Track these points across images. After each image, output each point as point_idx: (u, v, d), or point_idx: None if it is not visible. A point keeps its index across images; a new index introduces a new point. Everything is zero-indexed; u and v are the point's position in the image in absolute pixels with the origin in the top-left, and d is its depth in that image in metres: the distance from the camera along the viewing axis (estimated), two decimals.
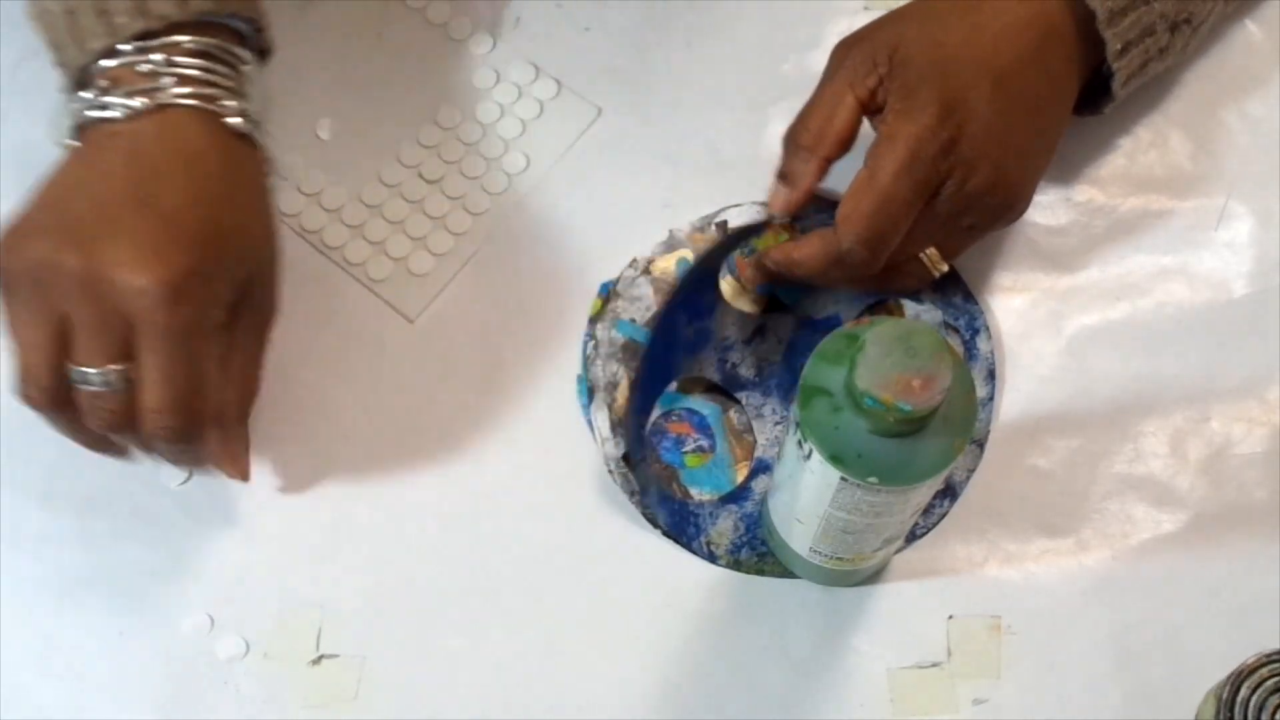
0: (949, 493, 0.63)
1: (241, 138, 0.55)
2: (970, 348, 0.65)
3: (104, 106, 0.54)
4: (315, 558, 0.62)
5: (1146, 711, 0.59)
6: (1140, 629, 0.61)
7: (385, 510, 0.63)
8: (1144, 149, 0.69)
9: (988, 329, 0.65)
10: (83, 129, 0.55)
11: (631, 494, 0.63)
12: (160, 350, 0.52)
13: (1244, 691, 0.53)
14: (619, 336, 0.65)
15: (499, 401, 0.64)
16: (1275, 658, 0.54)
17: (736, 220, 0.67)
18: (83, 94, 0.54)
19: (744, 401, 0.64)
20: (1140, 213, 0.68)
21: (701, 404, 0.65)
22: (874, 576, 0.62)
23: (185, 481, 0.63)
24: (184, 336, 0.52)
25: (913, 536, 0.62)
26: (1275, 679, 0.53)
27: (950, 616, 0.61)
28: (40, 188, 0.55)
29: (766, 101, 0.70)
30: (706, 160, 0.69)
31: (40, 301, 0.52)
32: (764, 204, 0.68)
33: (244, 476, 0.58)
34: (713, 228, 0.67)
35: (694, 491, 0.63)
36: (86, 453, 0.63)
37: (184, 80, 0.54)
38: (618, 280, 0.66)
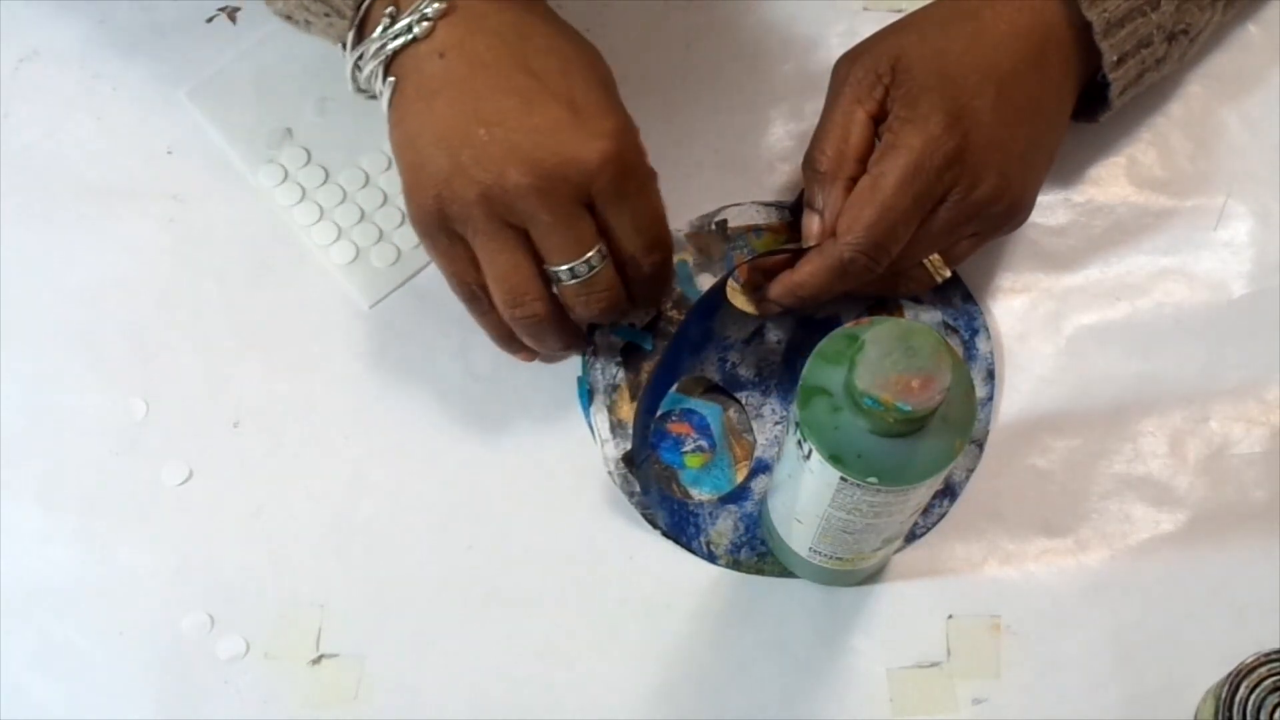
0: (948, 493, 0.63)
1: None
2: (970, 348, 0.65)
3: (404, 31, 0.55)
4: (315, 558, 0.62)
5: (1146, 711, 0.59)
6: (1139, 628, 0.61)
7: (385, 510, 0.63)
8: (1144, 149, 0.69)
9: (987, 329, 0.65)
10: (391, 64, 0.56)
11: (631, 494, 0.63)
12: (627, 206, 0.56)
13: (1243, 691, 0.53)
14: (619, 339, 0.65)
15: (499, 402, 0.64)
16: (1274, 657, 0.54)
17: (736, 220, 0.67)
18: (374, 33, 0.56)
19: (744, 401, 0.64)
20: (1140, 213, 0.68)
21: (701, 404, 0.65)
22: (874, 576, 0.62)
23: (185, 481, 0.63)
24: (646, 186, 0.57)
25: (912, 536, 0.62)
26: (1274, 678, 0.53)
27: (950, 616, 0.61)
28: (408, 134, 0.56)
29: (766, 102, 0.70)
30: (706, 160, 0.69)
31: (499, 226, 0.55)
32: (764, 204, 0.68)
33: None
34: (712, 227, 0.67)
35: (694, 491, 0.64)
36: (86, 453, 0.63)
37: None
38: None
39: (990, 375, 0.65)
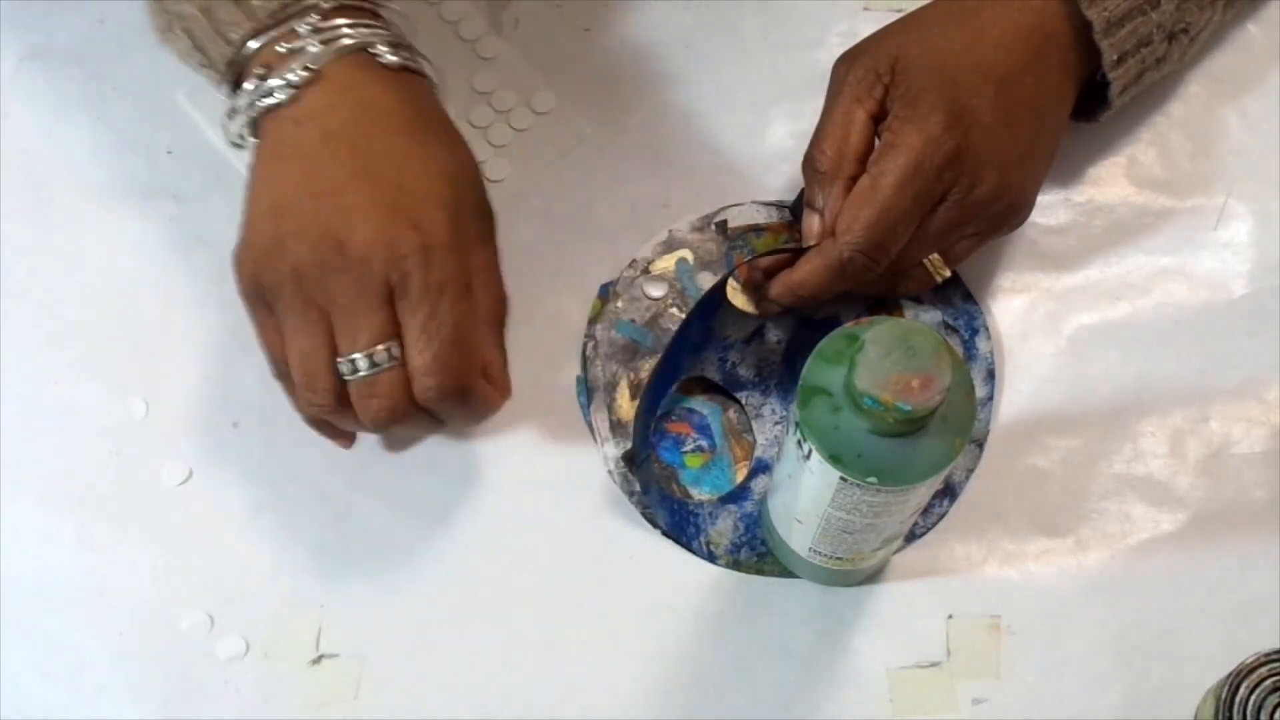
0: (948, 493, 0.63)
1: (405, 71, 0.56)
2: (970, 348, 0.65)
3: (269, 93, 0.54)
4: (315, 558, 0.62)
5: (1146, 711, 0.59)
6: (1139, 628, 0.61)
7: (385, 510, 0.63)
8: (1144, 149, 0.69)
9: (987, 329, 0.65)
10: (258, 123, 0.55)
11: (631, 494, 0.63)
12: (428, 308, 0.53)
13: (1243, 691, 0.53)
14: (619, 337, 0.65)
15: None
16: (1274, 657, 0.54)
17: (736, 220, 0.67)
18: (245, 88, 0.55)
19: (744, 401, 0.64)
20: (1140, 212, 0.68)
21: (701, 404, 0.65)
22: (874, 576, 0.62)
23: (185, 481, 0.63)
24: (452, 289, 0.53)
25: (912, 536, 0.62)
26: (1274, 678, 0.53)
27: (950, 616, 0.61)
28: (251, 198, 0.55)
29: (767, 101, 0.70)
30: (706, 160, 0.69)
31: (304, 304, 0.53)
32: (764, 204, 0.68)
33: (508, 393, 0.58)
34: (712, 227, 0.67)
35: (694, 491, 0.63)
36: (86, 453, 0.63)
37: (331, 40, 0.54)
38: (617, 281, 0.66)
39: (990, 375, 0.65)
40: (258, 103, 0.55)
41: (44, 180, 0.68)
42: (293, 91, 0.54)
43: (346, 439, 0.60)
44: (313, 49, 0.54)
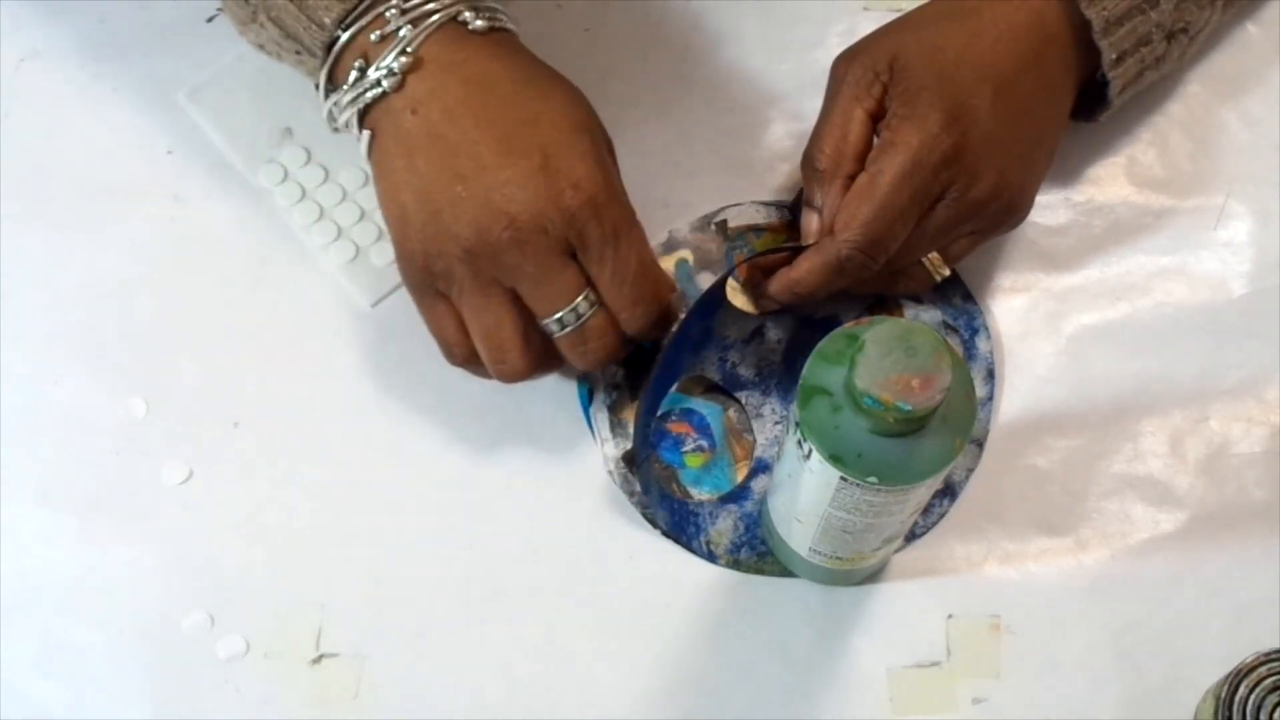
0: (948, 492, 0.63)
1: (493, 32, 0.57)
2: (970, 348, 0.65)
3: (376, 84, 0.56)
4: (315, 558, 0.62)
5: (1145, 711, 0.59)
6: (1139, 628, 0.61)
7: (385, 510, 0.63)
8: (1143, 149, 0.69)
9: (987, 329, 0.65)
10: (366, 116, 0.57)
11: (631, 494, 0.63)
12: (614, 252, 0.55)
13: (1242, 690, 0.53)
14: None
15: (499, 401, 0.64)
16: (1274, 657, 0.54)
17: (736, 220, 0.67)
18: (348, 81, 0.56)
19: (744, 401, 0.64)
20: (1139, 212, 0.68)
21: (701, 404, 0.65)
22: (874, 576, 0.62)
23: (185, 481, 0.63)
24: (625, 227, 0.56)
25: (912, 536, 0.62)
26: (1274, 678, 0.53)
27: (949, 616, 0.61)
28: (391, 192, 0.57)
29: (766, 101, 0.70)
30: (706, 160, 0.69)
31: (483, 284, 0.55)
32: (764, 204, 0.68)
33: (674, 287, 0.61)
34: (712, 227, 0.67)
35: (694, 491, 0.64)
36: (86, 452, 0.63)
37: (419, 19, 0.56)
38: None
39: (990, 375, 0.65)
40: (365, 95, 0.56)
41: (44, 180, 0.68)
42: (397, 79, 0.55)
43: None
44: (404, 32, 0.55)
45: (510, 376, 0.58)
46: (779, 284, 0.61)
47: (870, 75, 0.59)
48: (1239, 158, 0.68)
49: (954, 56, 0.58)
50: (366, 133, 0.57)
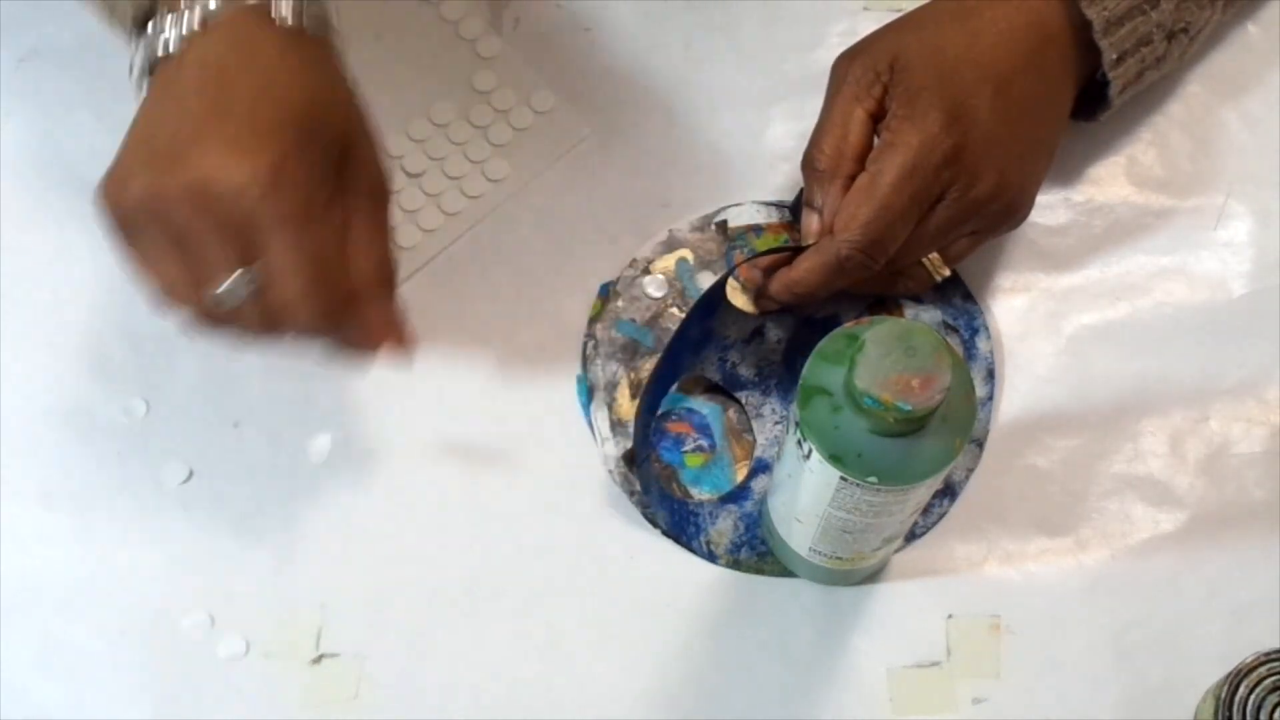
0: (948, 492, 0.63)
1: (299, 32, 0.55)
2: (970, 348, 0.65)
3: (166, 44, 0.54)
4: (315, 558, 0.62)
5: (1145, 711, 0.59)
6: (1139, 628, 0.61)
7: (385, 510, 0.63)
8: (1143, 149, 0.69)
9: (987, 329, 0.65)
10: (151, 71, 0.55)
11: (631, 494, 0.63)
12: (279, 239, 0.52)
13: (1242, 690, 0.53)
14: (619, 336, 0.65)
15: (498, 401, 0.64)
16: (1274, 657, 0.54)
17: (736, 220, 0.67)
18: (145, 35, 0.54)
19: (744, 401, 0.64)
20: (1139, 212, 0.68)
21: (701, 404, 0.65)
22: (874, 576, 0.62)
23: (185, 481, 0.63)
24: (297, 219, 0.52)
25: (912, 536, 0.62)
26: (1274, 678, 0.53)
27: (949, 616, 0.61)
28: (127, 134, 0.55)
29: (767, 101, 0.70)
30: (706, 160, 0.69)
31: (158, 232, 0.53)
32: (764, 204, 0.68)
33: (411, 342, 0.56)
34: (712, 227, 0.67)
35: (694, 491, 0.64)
36: (86, 453, 0.63)
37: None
38: (617, 280, 0.66)
39: (990, 375, 0.65)
40: (154, 50, 0.54)
41: (44, 180, 0.68)
42: (184, 43, 0.53)
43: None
44: (213, 4, 0.53)
45: (196, 327, 0.54)
46: (779, 284, 0.61)
47: (871, 75, 0.59)
48: (1239, 158, 0.68)
49: (954, 56, 0.58)
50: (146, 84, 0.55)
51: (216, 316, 0.53)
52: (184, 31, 0.53)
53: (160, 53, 0.54)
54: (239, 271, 0.52)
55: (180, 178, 0.51)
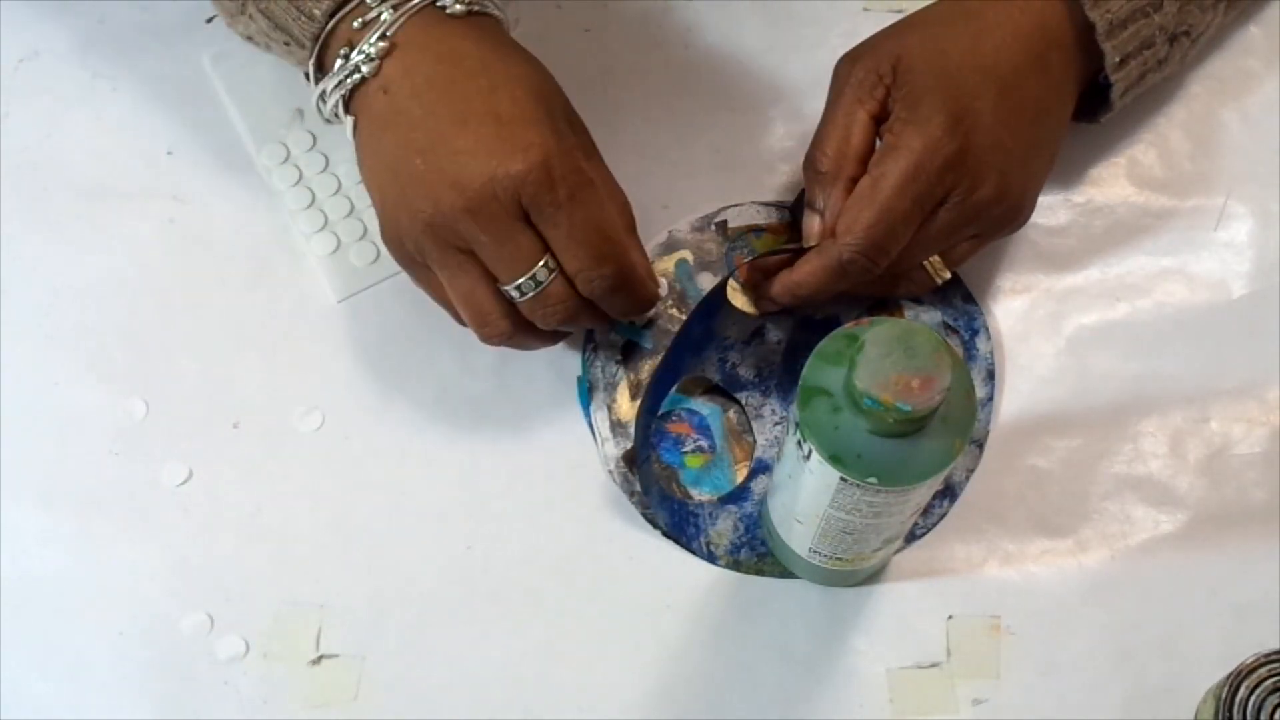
0: (948, 493, 0.63)
1: (472, 16, 0.58)
2: (970, 348, 0.65)
3: (355, 70, 0.57)
4: (315, 558, 0.62)
5: (1145, 711, 0.59)
6: (1139, 629, 0.61)
7: (385, 510, 0.63)
8: (1144, 149, 0.69)
9: (987, 329, 0.65)
10: (349, 100, 0.58)
11: (631, 494, 0.63)
12: (562, 219, 0.55)
13: (1243, 691, 0.53)
14: (619, 337, 0.65)
15: (498, 401, 0.64)
16: (1274, 658, 0.54)
17: (736, 221, 0.67)
18: (335, 69, 0.57)
19: (744, 402, 0.64)
20: (1140, 213, 0.68)
21: (701, 404, 0.65)
22: (874, 576, 0.62)
23: (185, 481, 0.63)
24: (571, 196, 0.56)
25: (912, 536, 0.62)
26: (1274, 679, 0.53)
27: (950, 616, 0.61)
28: (365, 173, 0.59)
29: (767, 102, 0.70)
30: (706, 160, 0.69)
31: (449, 254, 0.56)
32: (764, 204, 0.68)
33: (657, 291, 0.61)
34: (712, 228, 0.67)
35: (694, 492, 0.63)
36: (86, 453, 0.63)
37: (399, 4, 0.57)
38: None
39: (990, 375, 0.65)
40: (346, 80, 0.57)
41: (44, 180, 0.68)
42: (375, 64, 0.57)
43: (550, 339, 0.62)
44: (385, 16, 0.56)
45: (498, 338, 0.59)
46: (780, 286, 0.61)
47: (873, 77, 0.59)
48: (1239, 158, 0.68)
49: (957, 59, 0.58)
50: (350, 118, 0.58)
51: (523, 323, 0.58)
52: (371, 53, 0.57)
53: (353, 81, 0.57)
54: (539, 263, 0.56)
55: (455, 191, 0.55)
